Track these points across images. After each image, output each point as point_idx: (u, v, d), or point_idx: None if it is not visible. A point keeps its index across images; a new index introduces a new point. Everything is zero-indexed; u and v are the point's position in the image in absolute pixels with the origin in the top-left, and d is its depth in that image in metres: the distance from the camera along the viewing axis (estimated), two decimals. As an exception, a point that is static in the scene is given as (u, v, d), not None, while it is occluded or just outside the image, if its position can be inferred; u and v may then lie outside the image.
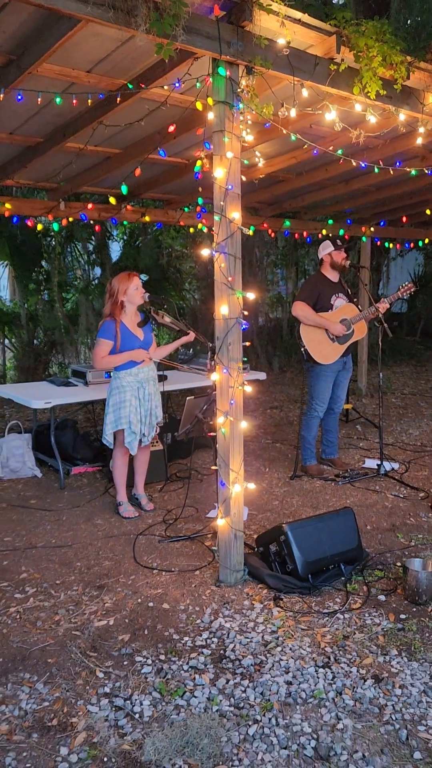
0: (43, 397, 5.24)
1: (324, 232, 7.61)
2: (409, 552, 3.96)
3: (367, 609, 3.30)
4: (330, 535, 3.60)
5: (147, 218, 6.43)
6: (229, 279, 3.22)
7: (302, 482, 5.38)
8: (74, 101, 3.12)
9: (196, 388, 6.20)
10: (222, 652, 2.92)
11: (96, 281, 9.82)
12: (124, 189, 4.62)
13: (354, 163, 3.92)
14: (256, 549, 3.79)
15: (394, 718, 2.47)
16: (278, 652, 2.91)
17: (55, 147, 4.47)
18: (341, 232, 7.78)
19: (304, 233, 7.76)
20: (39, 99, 2.93)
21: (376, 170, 4.41)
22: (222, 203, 3.21)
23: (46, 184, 5.70)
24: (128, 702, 2.57)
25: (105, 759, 2.27)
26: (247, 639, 3.02)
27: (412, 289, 5.23)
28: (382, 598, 3.41)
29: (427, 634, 3.06)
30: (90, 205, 5.71)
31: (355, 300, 5.35)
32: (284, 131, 3.53)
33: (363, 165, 3.92)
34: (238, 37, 3.06)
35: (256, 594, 3.45)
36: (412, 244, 9.71)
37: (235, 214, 3.23)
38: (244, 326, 3.36)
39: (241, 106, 3.16)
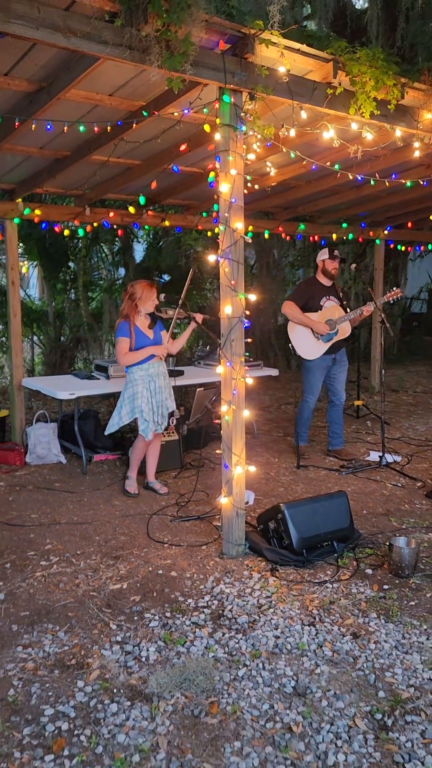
0: (68, 388, 5.69)
1: (334, 236, 7.94)
2: (399, 533, 4.30)
3: (354, 580, 3.67)
4: (324, 515, 3.96)
5: (167, 223, 6.84)
6: (232, 282, 3.60)
7: (308, 472, 5.74)
8: (96, 129, 3.53)
9: (210, 382, 6.60)
10: (221, 611, 3.31)
11: (120, 281, 10.26)
12: (142, 200, 5.03)
13: (351, 177, 4.28)
14: (257, 527, 4.18)
15: (365, 666, 2.83)
16: (270, 613, 3.29)
17: (81, 160, 4.90)
18: (350, 236, 8.10)
19: (316, 237, 8.09)
20: (66, 128, 3.35)
21: (372, 182, 4.76)
22: (226, 215, 3.60)
23: (73, 192, 6.14)
24: (136, 648, 2.98)
25: (115, 690, 2.68)
26: (244, 602, 3.40)
27: (399, 294, 5.61)
28: (369, 571, 3.78)
29: (405, 602, 3.42)
30: (111, 213, 6.14)
31: (344, 303, 5.73)
32: (284, 149, 3.91)
33: (359, 178, 4.28)
34: (242, 67, 3.44)
35: (255, 565, 3.84)
36: (422, 247, 9.97)
37: (239, 225, 3.62)
38: (246, 325, 3.74)
39: (244, 128, 3.54)
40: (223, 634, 3.09)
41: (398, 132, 4.36)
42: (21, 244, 9.55)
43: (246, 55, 3.41)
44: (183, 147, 4.16)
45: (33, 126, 3.29)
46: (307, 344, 5.70)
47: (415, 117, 4.40)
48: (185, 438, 6.25)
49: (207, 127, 3.67)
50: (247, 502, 4.79)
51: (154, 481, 5.26)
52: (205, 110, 3.51)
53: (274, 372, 7.14)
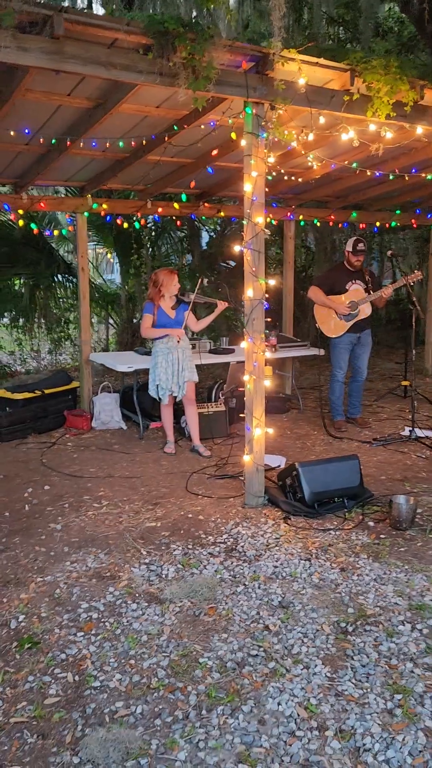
0: (127, 362, 6.45)
1: (378, 223, 8.27)
2: (410, 496, 4.76)
3: (356, 530, 4.20)
4: (335, 474, 4.50)
5: (222, 213, 7.44)
6: (253, 269, 4.18)
7: (341, 443, 6.24)
8: (133, 143, 4.18)
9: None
10: (234, 546, 3.94)
11: (187, 267, 10.96)
12: (183, 197, 5.65)
13: (369, 173, 4.73)
14: (278, 483, 4.77)
15: (344, 591, 3.39)
16: (275, 550, 3.89)
17: (137, 161, 5.58)
18: (392, 224, 8.42)
19: (362, 225, 8.45)
20: (108, 143, 4.02)
21: (391, 177, 5.17)
22: (249, 211, 4.16)
23: (136, 187, 6.84)
24: (159, 568, 3.66)
25: (136, 595, 3.37)
26: (255, 541, 4.02)
27: (419, 277, 5.99)
28: (371, 524, 4.29)
29: (396, 548, 3.92)
30: (160, 209, 6.81)
31: (369, 286, 6.17)
32: (303, 152, 4.42)
33: (378, 174, 4.72)
34: (262, 82, 3.98)
35: (271, 514, 4.44)
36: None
37: (259, 219, 4.18)
38: (265, 306, 4.31)
39: (265, 135, 4.08)
40: (232, 563, 3.73)
41: (419, 129, 4.76)
42: (97, 233, 10.43)
43: (266, 72, 3.95)
44: (215, 152, 4.74)
45: (81, 144, 3.97)
46: (328, 323, 6.33)
47: (434, 115, 4.77)
48: (233, 410, 6.87)
49: (233, 135, 4.24)
50: (279, 466, 5.38)
51: (198, 444, 5.93)
52: (230, 121, 4.08)
53: (320, 351, 7.61)
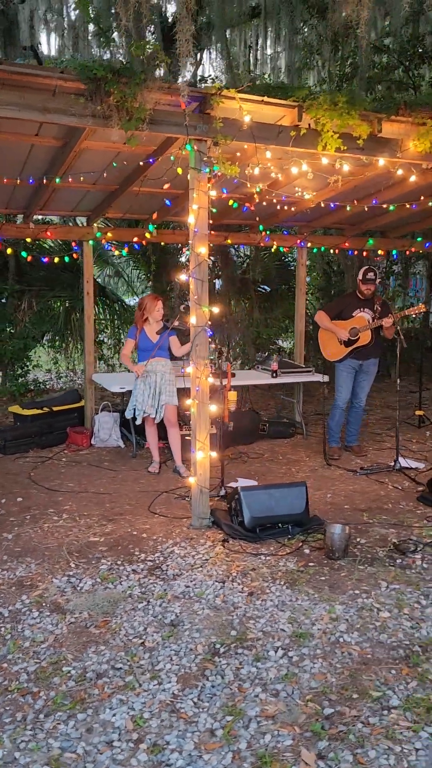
0: (122, 383, 6.71)
1: (381, 251, 8.19)
2: (362, 527, 4.73)
3: (289, 557, 4.22)
4: (278, 501, 4.54)
5: (229, 241, 7.63)
6: (195, 297, 4.34)
7: (325, 470, 6.22)
8: (71, 180, 4.47)
9: (261, 384, 7.28)
10: (159, 565, 4.07)
11: (217, 291, 11.18)
12: (150, 227, 5.90)
13: (323, 204, 4.79)
14: (228, 506, 4.85)
15: (238, 614, 3.45)
16: (197, 571, 3.98)
17: (123, 193, 5.89)
18: (394, 252, 8.30)
19: (381, 252, 8.40)
20: (81, 177, 4.33)
21: (347, 208, 5.19)
22: (192, 242, 4.34)
23: (140, 216, 7.16)
24: (78, 581, 3.84)
25: (44, 604, 3.57)
26: (183, 561, 4.13)
27: (422, 310, 5.95)
28: (307, 551, 4.30)
29: (317, 577, 3.93)
30: (141, 235, 7.09)
31: (376, 315, 6.17)
32: (248, 185, 4.56)
33: (332, 206, 4.77)
34: (203, 120, 4.17)
35: (213, 536, 4.53)
36: None
37: (202, 249, 4.34)
38: (209, 333, 4.45)
39: (207, 170, 4.26)
40: (149, 580, 3.86)
41: (381, 161, 4.79)
42: (133, 258, 10.87)
43: (207, 111, 4.14)
44: (166, 186, 4.97)
45: (70, 179, 4.28)
46: (329, 348, 6.47)
47: (399, 147, 4.79)
48: (232, 433, 6.98)
49: (180, 170, 4.44)
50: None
51: (179, 465, 6.09)
52: (171, 158, 4.29)
53: (325, 378, 7.60)
